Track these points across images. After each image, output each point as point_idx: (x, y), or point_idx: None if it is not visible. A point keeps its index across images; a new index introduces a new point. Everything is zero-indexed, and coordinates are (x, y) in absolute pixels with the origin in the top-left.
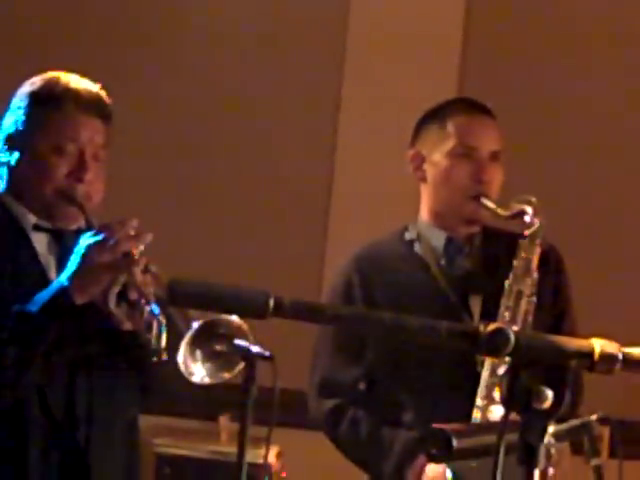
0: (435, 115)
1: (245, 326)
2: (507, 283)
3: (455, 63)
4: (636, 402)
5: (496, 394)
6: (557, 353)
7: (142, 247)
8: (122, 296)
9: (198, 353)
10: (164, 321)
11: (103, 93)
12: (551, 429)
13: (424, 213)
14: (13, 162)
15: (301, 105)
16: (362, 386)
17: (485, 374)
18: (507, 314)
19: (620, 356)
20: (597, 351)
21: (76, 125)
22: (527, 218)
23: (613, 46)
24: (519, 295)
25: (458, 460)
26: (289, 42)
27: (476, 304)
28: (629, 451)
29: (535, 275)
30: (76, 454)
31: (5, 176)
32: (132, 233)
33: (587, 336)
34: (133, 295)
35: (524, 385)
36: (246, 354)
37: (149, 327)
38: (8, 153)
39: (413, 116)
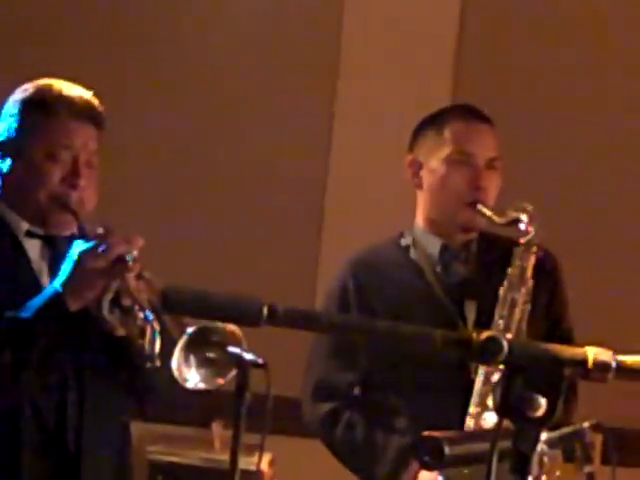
0: (433, 122)
1: (239, 333)
2: (501, 291)
3: (450, 65)
4: (629, 409)
5: (490, 401)
6: (550, 361)
7: (135, 252)
8: (115, 302)
9: (192, 359)
10: (158, 327)
11: (95, 100)
12: (544, 436)
13: (420, 219)
14: (6, 169)
15: (295, 108)
16: (357, 391)
17: (479, 381)
18: (501, 322)
19: (614, 364)
20: (591, 359)
21: (69, 132)
22: (522, 226)
23: (610, 48)
24: (513, 303)
25: (450, 467)
26: (284, 43)
27: (471, 310)
28: (622, 458)
29: (530, 283)
30: (67, 460)
31: None
32: (125, 239)
33: (583, 343)
34: (126, 301)
35: (517, 393)
36: (239, 361)
37: (142, 333)
38: (0, 160)
39: (407, 118)
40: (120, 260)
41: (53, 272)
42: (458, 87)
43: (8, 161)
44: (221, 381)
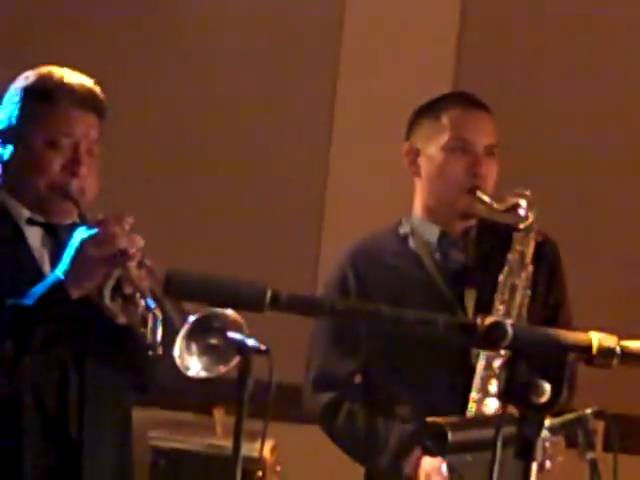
0: (430, 109)
1: (241, 319)
2: (502, 276)
3: (450, 59)
4: (631, 396)
5: (491, 387)
6: (555, 346)
7: (141, 243)
8: (117, 290)
9: (194, 347)
10: (160, 315)
11: (97, 87)
12: (546, 423)
13: (418, 207)
14: (7, 157)
15: (297, 101)
16: (357, 380)
17: (480, 367)
18: (501, 307)
19: (618, 350)
20: (595, 344)
21: (70, 120)
22: (522, 211)
23: (609, 41)
24: (513, 288)
25: (453, 453)
26: (285, 40)
27: (470, 298)
28: (624, 445)
29: (530, 268)
30: (69, 446)
31: None
32: (127, 228)
33: (583, 329)
34: (128, 289)
35: (522, 378)
36: (241, 348)
37: (144, 321)
38: (2, 148)
39: (408, 112)
40: (122, 248)
41: (54, 260)
42: (459, 83)
43: (9, 148)
44: (223, 369)
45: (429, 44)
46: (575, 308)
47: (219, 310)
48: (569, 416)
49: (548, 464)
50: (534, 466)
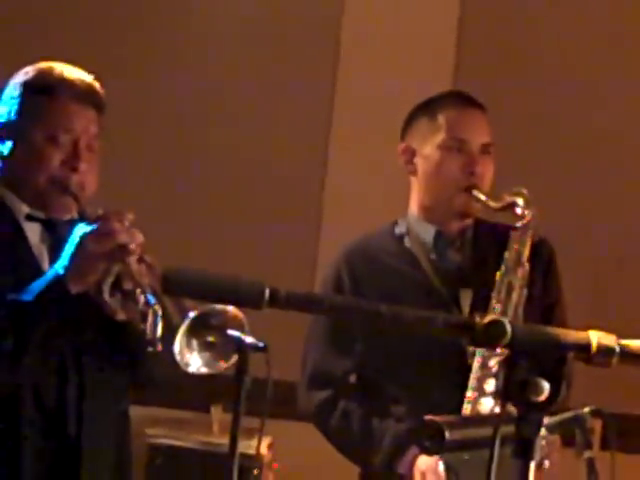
0: (425, 108)
1: (242, 316)
2: (498, 275)
3: (450, 60)
4: (629, 395)
5: (487, 386)
6: (554, 345)
7: (140, 239)
8: (116, 286)
9: (194, 343)
10: (159, 311)
11: (97, 83)
12: (544, 421)
13: (414, 207)
14: (6, 152)
15: (295, 100)
16: (352, 379)
17: (476, 366)
18: (498, 306)
19: (617, 348)
20: (594, 343)
21: (70, 115)
22: (518, 210)
23: (606, 41)
24: (510, 287)
25: (451, 452)
26: (284, 38)
27: (466, 298)
28: (621, 444)
29: (526, 267)
30: (67, 443)
31: None
32: (127, 224)
33: (577, 329)
34: (128, 285)
35: (520, 377)
36: (239, 345)
37: (144, 317)
38: (1, 143)
39: (406, 112)
40: (122, 244)
41: (53, 256)
42: (458, 84)
43: (9, 144)
44: (223, 365)
45: (428, 43)
46: (571, 307)
47: (219, 306)
48: (566, 415)
49: (547, 463)
50: (532, 465)
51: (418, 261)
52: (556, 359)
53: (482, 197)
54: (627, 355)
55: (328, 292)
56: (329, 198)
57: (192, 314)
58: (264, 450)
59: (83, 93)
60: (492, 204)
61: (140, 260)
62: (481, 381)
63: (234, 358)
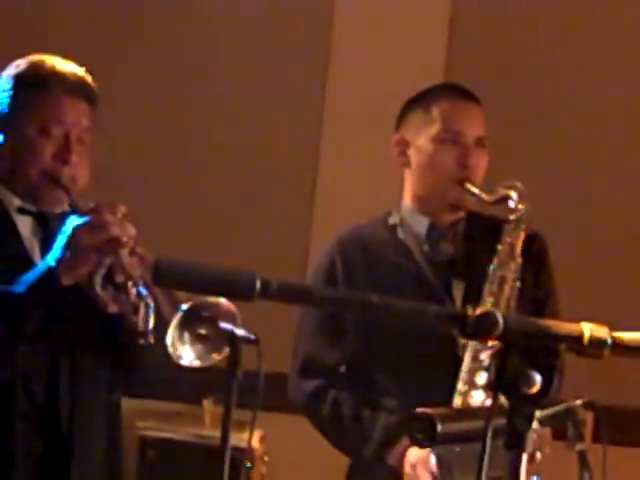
0: (420, 100)
1: (234, 308)
2: (491, 268)
3: (441, 52)
4: (621, 387)
5: (478, 379)
6: (546, 337)
7: (132, 231)
8: (108, 278)
9: (186, 336)
10: (152, 303)
11: (88, 75)
12: (536, 414)
13: (407, 198)
14: None
15: (287, 92)
16: (342, 369)
17: (467, 359)
18: (490, 299)
19: (610, 340)
20: (587, 335)
21: (62, 107)
22: (512, 203)
23: (597, 36)
24: (503, 280)
25: (442, 445)
26: (275, 31)
27: (459, 290)
28: (613, 436)
29: (519, 260)
30: (58, 437)
31: None
32: (120, 216)
33: (571, 322)
34: (119, 277)
35: (513, 369)
36: (231, 337)
37: (136, 310)
38: None
39: (398, 104)
40: (114, 236)
41: (45, 249)
42: (450, 76)
43: (0, 136)
44: (216, 357)
45: (419, 39)
46: (564, 301)
47: (212, 299)
48: (558, 407)
49: (538, 455)
50: (524, 457)
51: (411, 252)
52: (548, 351)
53: (475, 190)
54: (619, 347)
55: (321, 281)
56: (321, 190)
57: (184, 307)
58: (256, 443)
59: (75, 86)
60: (485, 197)
61: (132, 252)
62: (472, 374)
63: (226, 351)
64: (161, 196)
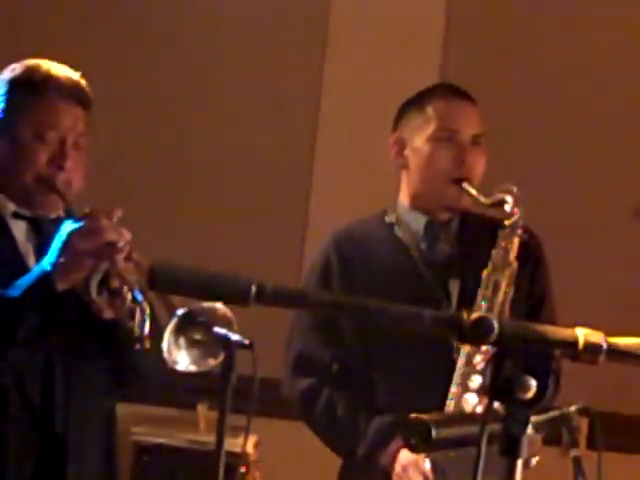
0: (416, 101)
1: (230, 314)
2: (485, 273)
3: (437, 50)
4: (616, 393)
5: (471, 383)
6: (541, 342)
7: (128, 237)
8: (104, 284)
9: (182, 341)
10: (147, 309)
11: (83, 80)
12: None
13: (404, 198)
14: None
15: (283, 91)
16: (335, 367)
17: (460, 362)
18: (484, 304)
19: (605, 346)
20: (581, 340)
21: (57, 112)
22: (507, 208)
23: (591, 35)
24: (496, 286)
25: (437, 450)
26: (271, 29)
27: (455, 289)
28: (608, 442)
29: (514, 265)
30: (54, 442)
31: None
32: (115, 220)
33: (567, 327)
34: (115, 283)
35: (507, 374)
36: (225, 342)
37: (131, 315)
38: None
39: (394, 102)
40: (110, 242)
41: (40, 254)
42: (446, 74)
43: None
44: (212, 362)
45: (415, 38)
46: (560, 305)
47: (207, 304)
48: (553, 413)
49: (533, 461)
50: (519, 463)
51: (408, 250)
52: (543, 356)
53: (473, 191)
54: (614, 352)
55: (316, 278)
56: (316, 190)
57: (180, 312)
58: (250, 448)
59: (70, 90)
60: (482, 199)
61: (127, 258)
62: (465, 377)
63: (222, 356)
64: (155, 199)
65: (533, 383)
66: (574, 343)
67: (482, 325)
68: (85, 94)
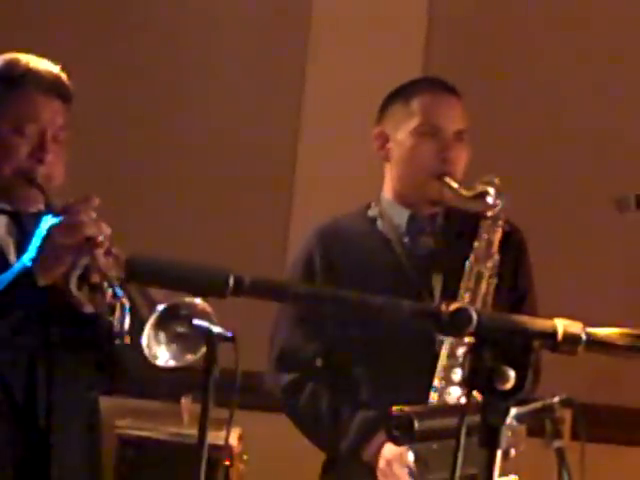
0: (400, 94)
1: (209, 308)
2: (467, 264)
3: (420, 45)
4: (599, 384)
5: (455, 376)
6: (520, 333)
7: (108, 231)
8: (84, 279)
9: (162, 336)
10: (127, 304)
11: (63, 74)
12: (513, 411)
13: (387, 191)
14: None
15: (265, 85)
16: (319, 362)
17: (443, 355)
18: (467, 295)
19: (584, 336)
20: (560, 331)
21: (36, 106)
22: (489, 199)
23: (576, 29)
24: (479, 276)
25: (420, 442)
26: (254, 28)
27: (437, 283)
28: (591, 434)
29: (496, 256)
30: (37, 436)
31: None
32: (94, 215)
33: (549, 316)
34: (95, 278)
35: (486, 365)
36: (207, 335)
37: (112, 310)
38: None
39: (377, 97)
40: (89, 236)
41: (20, 248)
42: (428, 69)
43: None
44: (191, 357)
45: (398, 31)
46: (542, 296)
47: (187, 299)
48: (536, 404)
49: (513, 452)
50: (499, 453)
51: (390, 244)
52: (522, 347)
53: (454, 185)
54: (593, 343)
55: (299, 273)
56: (299, 183)
57: (160, 307)
58: (234, 441)
59: (49, 84)
60: (464, 192)
61: (107, 252)
62: (448, 370)
63: (202, 351)
64: (138, 191)
65: (512, 374)
66: (553, 334)
67: (460, 316)
68: (65, 87)
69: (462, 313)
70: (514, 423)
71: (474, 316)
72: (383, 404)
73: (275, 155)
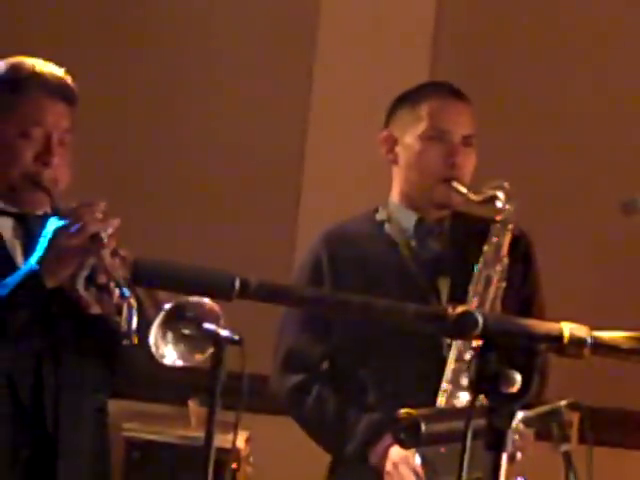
0: (409, 98)
1: (217, 308)
2: (477, 268)
3: (427, 47)
4: (606, 388)
5: (462, 379)
6: (526, 336)
7: (111, 230)
8: (91, 280)
9: (169, 336)
10: (134, 304)
11: (68, 77)
12: (521, 415)
13: (395, 194)
14: None
15: (273, 86)
16: (325, 365)
17: (451, 358)
18: (475, 299)
19: (590, 340)
20: (567, 335)
21: (42, 109)
22: (499, 204)
23: (583, 31)
24: (488, 280)
25: (427, 445)
26: (262, 29)
27: (444, 287)
28: (599, 437)
29: (505, 261)
30: (44, 439)
31: None
32: (100, 216)
33: (556, 321)
34: (102, 279)
35: (492, 368)
36: (214, 338)
37: (119, 310)
38: None
39: (384, 99)
40: (95, 237)
41: (27, 251)
42: (435, 72)
43: None
44: (199, 357)
45: (405, 34)
46: (549, 301)
47: (195, 299)
48: (544, 408)
49: (519, 455)
50: (504, 457)
51: (398, 247)
52: (528, 350)
53: (462, 189)
54: (600, 346)
55: (306, 277)
56: (307, 187)
57: (167, 306)
58: (241, 444)
59: (54, 87)
60: (473, 197)
61: (114, 253)
62: (456, 374)
63: (210, 351)
64: (144, 193)
65: (518, 377)
66: (559, 337)
67: (466, 319)
68: (70, 90)
69: (468, 316)
70: (522, 427)
71: (480, 319)
72: (390, 407)
73: (282, 157)
